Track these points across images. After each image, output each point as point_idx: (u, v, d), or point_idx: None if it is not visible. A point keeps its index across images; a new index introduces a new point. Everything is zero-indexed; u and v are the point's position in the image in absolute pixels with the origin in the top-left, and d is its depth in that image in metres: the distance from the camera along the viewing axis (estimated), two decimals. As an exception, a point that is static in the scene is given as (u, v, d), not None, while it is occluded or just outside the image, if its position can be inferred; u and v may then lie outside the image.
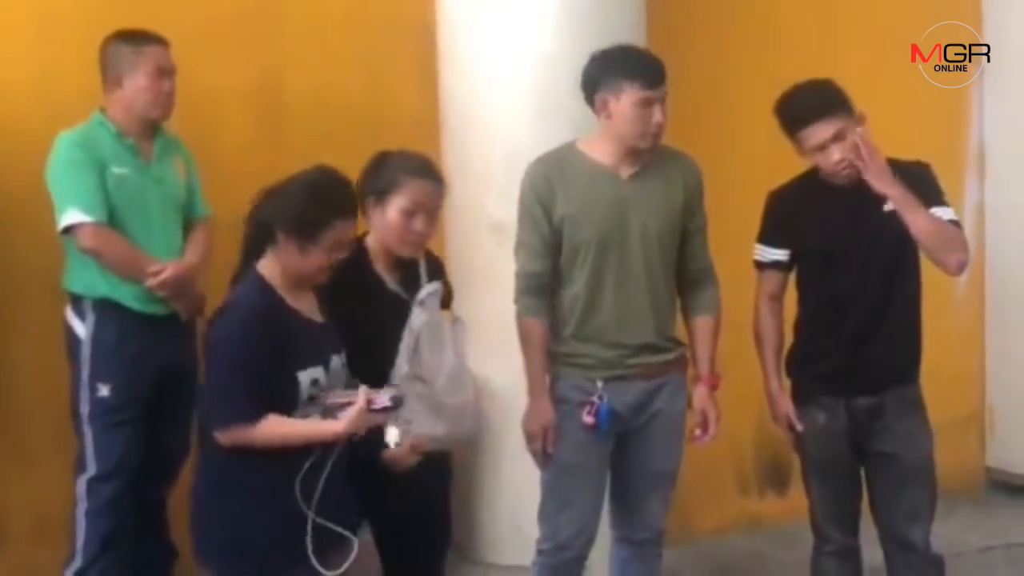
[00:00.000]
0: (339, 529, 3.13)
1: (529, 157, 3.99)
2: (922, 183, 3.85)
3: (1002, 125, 5.94)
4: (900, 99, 5.33)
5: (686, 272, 3.95)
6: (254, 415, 3.02)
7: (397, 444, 3.21)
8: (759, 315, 4.04)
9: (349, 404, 3.07)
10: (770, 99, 3.89)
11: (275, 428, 3.04)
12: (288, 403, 3.09)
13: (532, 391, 3.84)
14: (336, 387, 3.18)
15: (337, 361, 3.23)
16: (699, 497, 5.22)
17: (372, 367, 3.40)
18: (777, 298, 4.03)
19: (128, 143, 4.33)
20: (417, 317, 3.55)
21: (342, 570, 3.12)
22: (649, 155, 3.82)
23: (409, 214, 3.55)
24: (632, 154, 3.80)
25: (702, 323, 3.97)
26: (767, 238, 4.02)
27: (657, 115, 3.74)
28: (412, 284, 3.66)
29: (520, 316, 3.87)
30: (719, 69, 5.41)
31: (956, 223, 3.87)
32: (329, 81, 5.10)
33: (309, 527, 3.07)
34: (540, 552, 3.93)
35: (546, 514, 3.92)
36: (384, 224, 3.58)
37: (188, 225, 4.50)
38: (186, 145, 4.56)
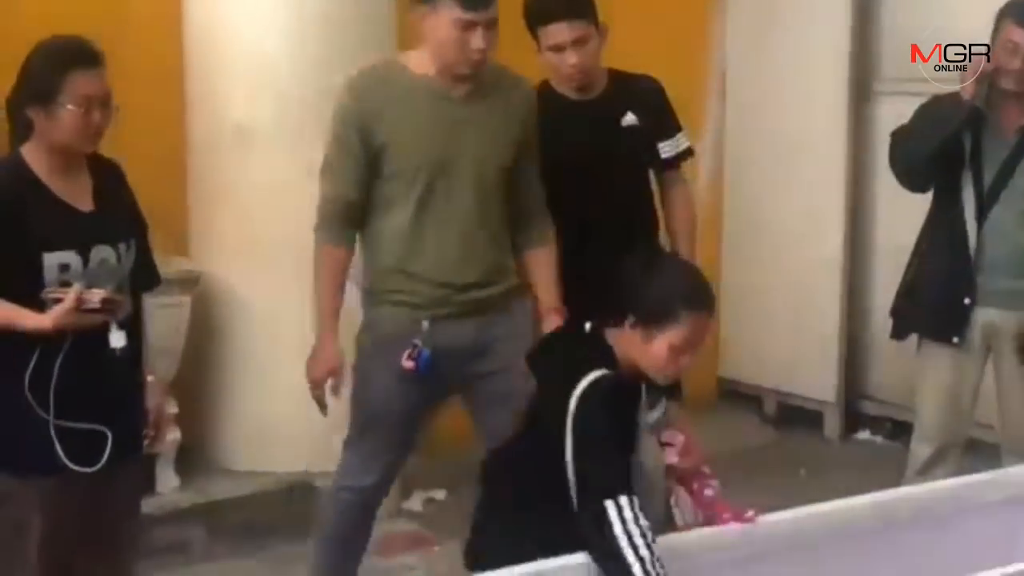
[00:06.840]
0: (89, 426, 3.03)
1: (275, 55, 3.82)
2: (655, 105, 3.90)
3: (744, 50, 6.11)
4: (643, 18, 5.41)
5: (521, 206, 3.62)
6: None
7: (122, 348, 3.02)
8: None
9: (63, 299, 2.94)
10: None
11: None
12: (30, 283, 2.96)
13: (321, 330, 3.50)
14: (106, 280, 3.02)
15: (106, 252, 3.06)
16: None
17: None
18: None
19: None
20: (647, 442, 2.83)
21: (99, 466, 3.04)
22: (486, 73, 3.47)
23: (679, 351, 2.79)
24: (455, 78, 3.45)
25: (543, 254, 3.65)
26: None
27: (478, 40, 3.36)
28: None
29: (321, 244, 3.52)
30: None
31: (690, 150, 4.00)
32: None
33: (52, 431, 2.98)
34: (341, 488, 3.68)
35: (350, 457, 3.65)
36: (646, 352, 2.78)
37: None
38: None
